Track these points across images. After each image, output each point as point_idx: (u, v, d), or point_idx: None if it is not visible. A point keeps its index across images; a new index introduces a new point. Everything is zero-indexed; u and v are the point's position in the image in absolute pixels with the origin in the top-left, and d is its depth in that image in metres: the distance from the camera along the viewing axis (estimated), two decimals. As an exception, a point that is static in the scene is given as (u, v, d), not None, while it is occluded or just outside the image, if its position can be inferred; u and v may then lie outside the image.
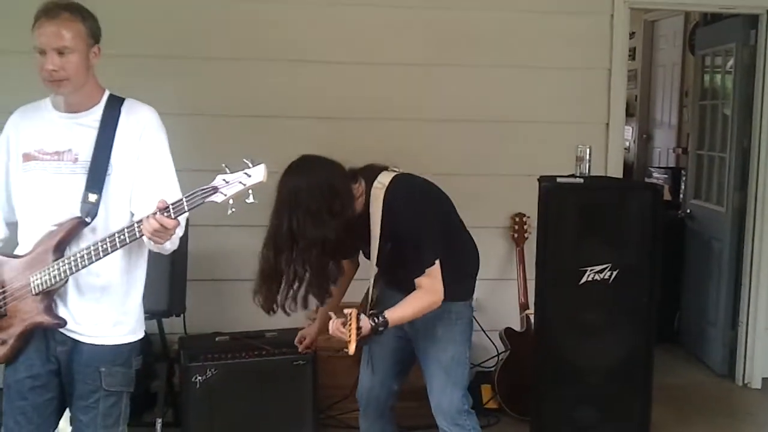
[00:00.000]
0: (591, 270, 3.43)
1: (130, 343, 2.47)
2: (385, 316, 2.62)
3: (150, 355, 3.97)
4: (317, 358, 3.70)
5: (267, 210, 4.28)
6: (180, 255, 3.66)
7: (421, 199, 2.77)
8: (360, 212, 2.72)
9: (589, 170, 3.69)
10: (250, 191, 2.12)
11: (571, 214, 3.52)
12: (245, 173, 2.12)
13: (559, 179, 3.52)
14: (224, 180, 2.12)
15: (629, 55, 7.22)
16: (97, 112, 2.40)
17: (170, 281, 3.60)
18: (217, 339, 3.70)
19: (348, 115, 4.39)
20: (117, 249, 2.24)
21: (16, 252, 2.45)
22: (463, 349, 2.88)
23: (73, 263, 2.28)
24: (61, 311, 2.37)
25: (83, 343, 2.39)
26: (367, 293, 2.91)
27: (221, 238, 4.28)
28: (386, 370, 2.97)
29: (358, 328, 2.55)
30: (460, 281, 2.87)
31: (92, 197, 2.33)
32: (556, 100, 4.51)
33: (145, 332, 3.90)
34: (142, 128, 2.41)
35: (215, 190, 2.13)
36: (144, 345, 3.84)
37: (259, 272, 2.73)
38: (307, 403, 3.64)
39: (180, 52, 4.26)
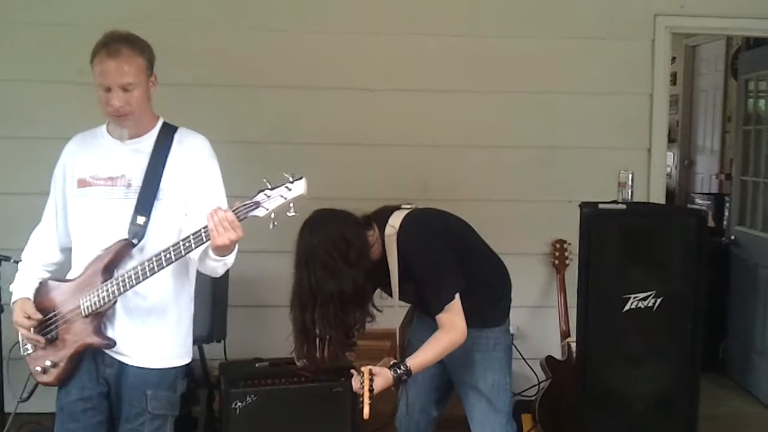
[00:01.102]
0: (634, 297, 3.38)
1: (176, 367, 2.51)
2: (408, 364, 2.63)
3: (191, 381, 4.01)
4: (357, 385, 3.69)
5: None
6: (221, 281, 3.71)
7: (432, 236, 2.74)
8: (377, 258, 2.72)
9: (631, 196, 3.65)
10: (291, 204, 2.17)
11: (613, 241, 3.47)
12: (286, 187, 2.17)
13: (600, 205, 3.48)
14: (266, 195, 2.17)
15: (671, 81, 7.19)
16: (150, 138, 2.46)
17: (212, 307, 3.64)
18: (257, 365, 3.69)
19: (389, 142, 4.44)
20: (171, 262, 2.27)
21: (69, 276, 2.50)
22: (503, 375, 2.87)
23: (120, 284, 2.32)
24: (110, 333, 2.41)
25: (130, 365, 2.43)
26: (395, 335, 2.96)
27: (262, 264, 4.30)
28: (425, 397, 2.97)
29: (371, 390, 2.57)
30: (492, 306, 2.87)
31: (140, 219, 2.38)
32: (598, 125, 4.49)
33: (187, 358, 3.99)
34: (193, 156, 2.47)
35: (257, 204, 2.18)
36: (187, 370, 3.93)
37: (294, 333, 2.74)
38: (345, 430, 3.62)
39: (226, 80, 4.35)
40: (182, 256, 2.27)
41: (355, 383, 2.61)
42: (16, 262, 2.69)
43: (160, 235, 2.40)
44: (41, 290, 2.52)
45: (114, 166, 2.44)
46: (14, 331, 2.55)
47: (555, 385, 4.08)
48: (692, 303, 3.45)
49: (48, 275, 2.57)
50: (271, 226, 2.18)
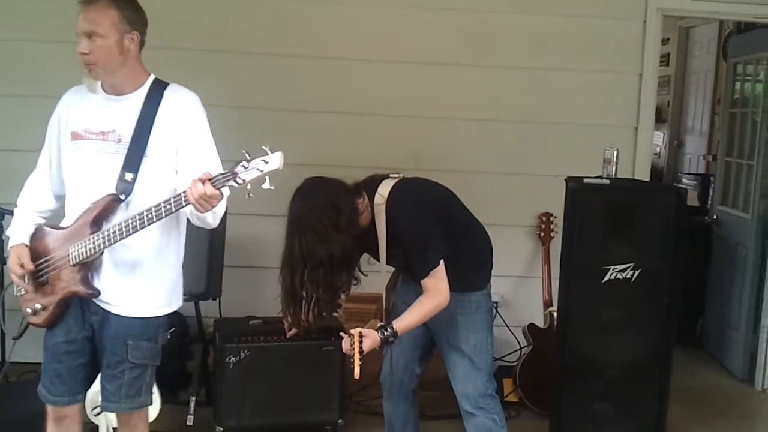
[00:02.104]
0: (614, 269, 3.52)
1: (158, 317, 2.59)
2: (394, 326, 2.76)
3: (186, 337, 4.15)
4: (345, 345, 3.83)
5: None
6: (218, 241, 3.83)
7: (419, 205, 2.85)
8: (366, 225, 2.84)
9: (616, 172, 3.78)
10: (266, 177, 2.24)
11: (597, 214, 3.60)
12: (263, 160, 2.23)
13: (585, 180, 3.61)
14: (243, 166, 2.24)
15: (663, 61, 7.30)
16: (140, 94, 2.52)
17: (208, 266, 3.75)
18: (250, 322, 3.82)
19: (383, 112, 4.54)
20: (152, 222, 2.36)
21: (62, 224, 2.59)
22: (485, 336, 2.98)
23: (107, 237, 2.41)
24: (96, 283, 2.50)
25: (113, 314, 2.52)
26: (381, 298, 3.07)
27: (256, 226, 4.43)
28: (409, 355, 3.08)
29: (361, 351, 2.69)
30: (475, 272, 2.99)
31: (128, 176, 2.45)
32: (587, 102, 4.60)
33: (182, 315, 4.13)
34: (182, 112, 2.52)
35: (235, 175, 2.24)
36: (181, 327, 4.07)
37: (281, 295, 2.85)
38: (333, 388, 3.76)
39: (225, 47, 4.44)
40: (163, 218, 2.35)
41: (345, 344, 2.74)
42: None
43: (147, 192, 2.46)
44: (36, 235, 2.61)
45: (105, 121, 2.50)
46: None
47: (536, 351, 4.23)
48: (669, 276, 3.59)
49: (43, 221, 2.65)
50: (246, 197, 2.27)
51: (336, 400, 3.78)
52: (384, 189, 2.84)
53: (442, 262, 2.77)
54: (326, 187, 2.80)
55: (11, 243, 2.62)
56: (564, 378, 3.71)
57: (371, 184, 2.89)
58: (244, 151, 2.23)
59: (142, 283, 2.53)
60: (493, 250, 3.08)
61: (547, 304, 4.39)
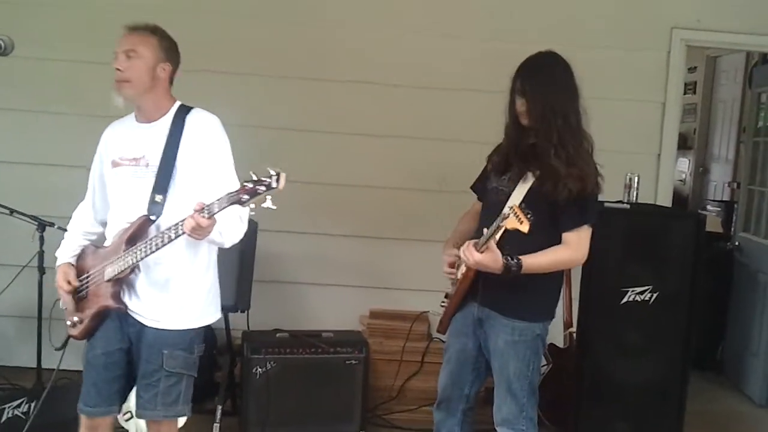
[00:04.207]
0: (632, 291, 3.60)
1: (193, 329, 2.69)
2: (520, 259, 2.62)
3: (215, 348, 4.27)
4: (369, 359, 3.94)
5: (327, 220, 4.59)
6: (248, 255, 3.96)
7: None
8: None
9: (636, 198, 3.87)
10: (268, 197, 2.31)
11: (617, 238, 3.68)
12: (266, 182, 2.30)
13: (606, 204, 3.70)
14: (246, 188, 2.32)
15: (690, 89, 7.36)
16: (167, 120, 2.67)
17: (238, 279, 3.86)
18: (277, 335, 3.94)
19: (409, 134, 4.68)
20: (167, 243, 2.49)
21: (105, 244, 2.76)
22: (524, 366, 2.85)
23: (136, 254, 2.55)
24: (132, 298, 2.63)
25: (149, 327, 2.64)
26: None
27: (285, 243, 4.58)
28: (460, 373, 2.99)
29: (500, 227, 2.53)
30: (552, 297, 2.93)
31: (158, 198, 2.60)
32: (610, 129, 4.61)
33: (211, 327, 4.24)
34: (202, 135, 2.65)
35: (238, 198, 2.32)
36: (210, 338, 4.19)
37: None
38: (356, 401, 3.87)
39: (253, 70, 4.62)
40: (180, 235, 2.47)
41: (506, 210, 2.56)
42: (60, 229, 2.93)
43: (176, 212, 2.57)
44: (82, 254, 2.81)
45: (137, 148, 2.67)
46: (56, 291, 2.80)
47: (555, 370, 4.29)
48: (687, 300, 3.66)
49: (88, 243, 2.84)
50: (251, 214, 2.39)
51: (358, 413, 3.88)
52: None
53: (591, 230, 2.74)
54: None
55: (58, 262, 2.80)
56: (582, 398, 3.77)
57: None
58: (251, 172, 2.32)
59: (176, 297, 2.65)
60: (558, 290, 2.99)
61: (567, 324, 4.44)
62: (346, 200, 4.69)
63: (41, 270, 3.80)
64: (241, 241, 3.82)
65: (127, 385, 2.73)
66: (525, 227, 2.47)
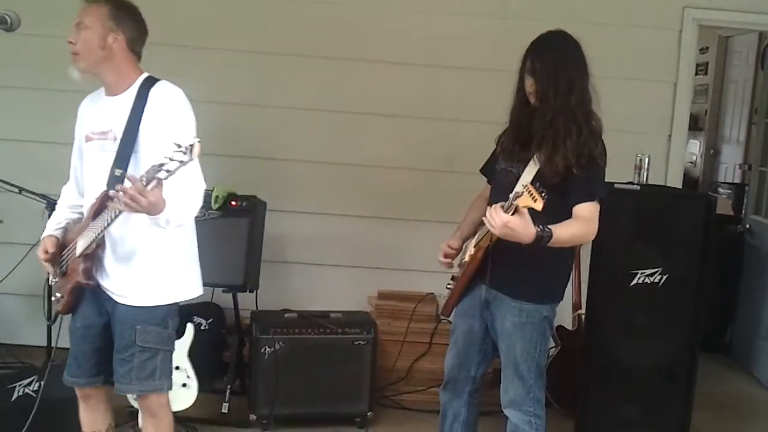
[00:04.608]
0: (642, 273, 3.58)
1: (165, 305, 2.67)
2: (551, 228, 2.53)
3: (223, 327, 4.29)
4: (377, 340, 3.94)
5: (335, 200, 4.59)
6: (257, 236, 3.97)
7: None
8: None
9: (647, 179, 3.84)
10: (182, 167, 2.24)
11: (626, 219, 3.66)
12: (182, 151, 2.22)
13: (616, 185, 3.67)
14: (169, 158, 2.24)
15: (702, 70, 7.29)
16: (131, 93, 2.62)
17: (246, 259, 3.88)
18: (286, 315, 3.94)
19: (419, 114, 4.65)
20: (116, 218, 2.43)
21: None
22: (531, 347, 2.84)
23: (94, 230, 2.54)
24: (102, 274, 2.62)
25: (119, 303, 2.64)
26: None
27: (294, 223, 4.57)
28: (466, 355, 2.98)
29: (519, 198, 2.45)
30: (560, 279, 2.93)
31: (118, 172, 2.55)
32: (621, 109, 4.60)
33: (220, 306, 4.27)
34: (164, 107, 2.59)
35: (161, 166, 2.25)
36: (218, 318, 4.21)
37: None
38: (364, 381, 3.87)
39: (268, 48, 4.59)
40: (118, 216, 2.43)
41: (519, 187, 2.54)
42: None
43: None
44: (68, 228, 2.80)
45: (105, 121, 2.63)
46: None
47: (563, 352, 4.29)
48: (697, 283, 3.65)
49: (77, 216, 2.82)
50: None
51: (366, 393, 3.88)
52: None
53: (599, 206, 2.71)
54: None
55: (42, 235, 2.81)
56: (591, 380, 3.77)
57: None
58: (174, 143, 2.25)
59: (141, 273, 2.62)
60: (567, 274, 2.99)
61: (576, 306, 4.44)
62: (355, 180, 4.67)
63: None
64: (250, 221, 3.89)
65: (109, 358, 2.71)
66: (539, 205, 2.42)
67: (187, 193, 2.48)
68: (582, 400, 3.80)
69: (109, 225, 2.48)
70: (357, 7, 4.60)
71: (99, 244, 2.57)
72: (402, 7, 4.61)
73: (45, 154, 4.48)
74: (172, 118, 2.57)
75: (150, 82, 2.64)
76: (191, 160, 2.20)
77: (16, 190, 3.83)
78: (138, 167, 2.54)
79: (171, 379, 2.74)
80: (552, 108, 2.71)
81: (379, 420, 4.00)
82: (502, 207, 2.50)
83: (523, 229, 2.47)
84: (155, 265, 2.64)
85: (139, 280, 2.63)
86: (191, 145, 2.19)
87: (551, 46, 2.81)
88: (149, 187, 2.26)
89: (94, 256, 2.59)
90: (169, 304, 2.68)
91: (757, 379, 5.06)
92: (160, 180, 2.24)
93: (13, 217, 4.20)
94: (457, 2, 4.64)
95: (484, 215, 2.58)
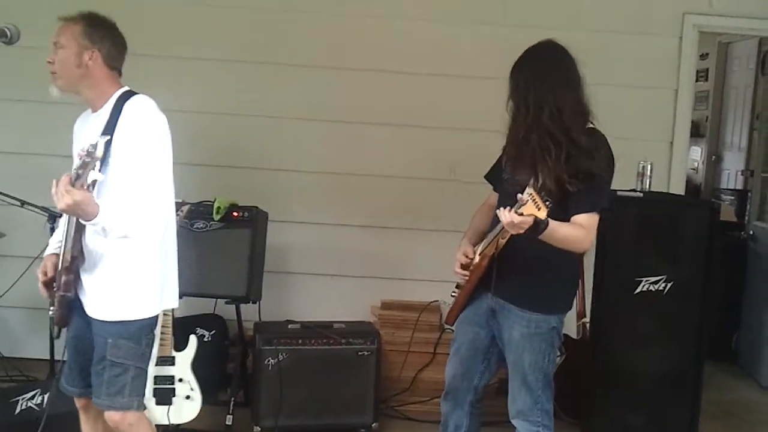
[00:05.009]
0: (646, 280, 3.58)
1: (136, 320, 2.63)
2: (549, 219, 2.46)
3: (226, 339, 4.28)
4: (381, 350, 3.92)
5: (337, 210, 4.57)
6: (259, 247, 3.95)
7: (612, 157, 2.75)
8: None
9: (650, 186, 3.83)
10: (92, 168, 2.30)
11: (630, 227, 3.67)
12: (94, 147, 2.28)
13: (619, 192, 3.67)
14: (87, 158, 2.30)
15: (702, 76, 7.30)
16: (108, 108, 2.63)
17: (249, 270, 3.85)
18: (289, 326, 3.93)
19: (419, 123, 4.65)
20: (73, 227, 2.49)
21: None
22: (539, 358, 2.79)
23: (69, 241, 2.56)
24: (80, 287, 2.63)
25: (93, 317, 2.64)
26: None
27: (296, 233, 4.57)
28: (470, 364, 2.95)
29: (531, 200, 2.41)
30: (566, 290, 2.89)
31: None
32: (622, 117, 4.61)
33: (223, 318, 4.26)
34: (130, 121, 2.57)
35: (84, 165, 2.29)
36: (221, 329, 4.20)
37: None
38: (368, 392, 3.85)
39: (272, 59, 4.60)
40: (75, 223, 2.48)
41: (525, 195, 2.45)
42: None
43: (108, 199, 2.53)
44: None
45: (88, 138, 2.59)
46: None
47: (568, 361, 4.27)
48: (701, 289, 3.64)
49: None
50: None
51: (371, 404, 3.86)
52: None
53: (598, 217, 2.65)
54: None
55: (45, 252, 2.81)
56: (597, 388, 3.77)
57: None
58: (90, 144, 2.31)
59: (110, 288, 2.61)
60: (574, 283, 2.98)
61: (581, 315, 4.40)
62: (357, 190, 4.67)
63: (52, 262, 3.80)
64: (252, 231, 3.88)
65: None
66: (542, 213, 2.40)
67: (129, 203, 2.47)
68: (588, 409, 3.79)
69: (75, 234, 2.51)
70: (358, 17, 4.60)
71: (75, 256, 2.57)
72: (402, 16, 4.62)
73: (47, 166, 4.44)
74: (136, 129, 2.56)
75: (126, 96, 2.65)
76: (93, 160, 2.24)
77: (18, 203, 3.82)
78: (107, 179, 2.51)
79: (142, 399, 2.70)
80: (523, 126, 2.67)
81: (384, 431, 3.98)
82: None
83: (528, 223, 2.42)
84: (124, 279, 2.62)
85: (109, 294, 2.62)
86: (94, 146, 2.24)
87: (525, 61, 2.75)
88: (75, 186, 2.27)
89: (72, 268, 2.59)
90: (141, 319, 2.65)
91: (763, 386, 5.02)
92: (81, 182, 2.27)
93: (16, 231, 4.20)
94: (457, 10, 4.64)
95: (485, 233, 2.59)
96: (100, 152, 2.22)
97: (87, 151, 2.29)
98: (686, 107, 4.71)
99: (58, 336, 2.86)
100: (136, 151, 2.54)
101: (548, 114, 2.62)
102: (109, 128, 2.56)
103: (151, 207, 2.52)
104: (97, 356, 2.63)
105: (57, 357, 4.01)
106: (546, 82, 2.66)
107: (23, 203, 3.81)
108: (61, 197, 2.28)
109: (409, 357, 4.23)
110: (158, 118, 2.62)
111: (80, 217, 2.39)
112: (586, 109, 2.72)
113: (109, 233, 2.44)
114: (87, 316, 2.67)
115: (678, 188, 4.68)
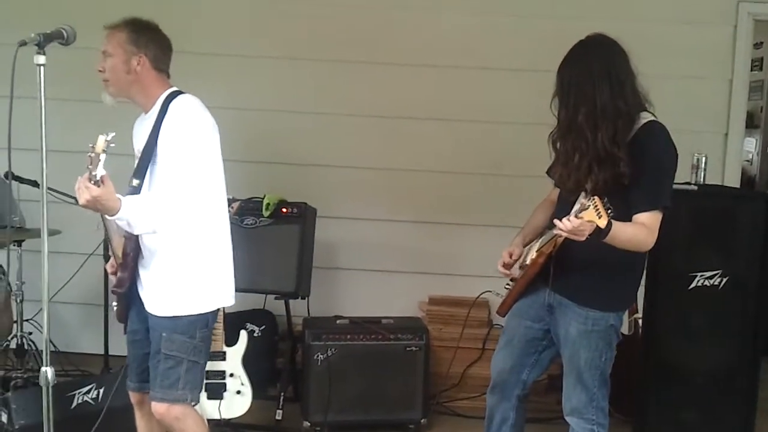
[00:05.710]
0: (701, 275, 3.50)
1: (191, 315, 2.68)
2: (612, 222, 2.36)
3: (276, 334, 4.32)
4: (429, 346, 3.92)
5: (385, 205, 4.57)
6: (308, 242, 3.98)
7: (673, 146, 2.69)
8: None
9: (704, 179, 3.75)
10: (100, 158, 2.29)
11: (684, 221, 3.58)
12: (93, 146, 2.29)
13: (673, 185, 3.59)
14: (89, 156, 2.32)
15: (757, 66, 7.11)
16: (155, 110, 2.68)
17: (298, 266, 3.89)
18: (338, 322, 3.96)
19: (463, 117, 4.63)
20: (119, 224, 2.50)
21: None
22: (596, 356, 2.75)
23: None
24: (139, 282, 2.73)
25: (149, 312, 2.71)
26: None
27: (344, 229, 4.58)
28: (520, 357, 2.91)
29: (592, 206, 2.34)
30: (631, 286, 2.83)
31: (135, 182, 2.63)
32: (676, 108, 4.50)
33: (272, 314, 4.30)
34: (173, 120, 2.62)
35: (90, 161, 2.32)
36: (271, 325, 4.24)
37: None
38: (417, 388, 3.85)
39: (308, 55, 4.62)
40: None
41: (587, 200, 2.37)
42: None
43: None
44: None
45: (142, 139, 2.70)
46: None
47: (620, 357, 4.18)
48: (757, 284, 3.55)
49: None
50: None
51: (419, 400, 3.86)
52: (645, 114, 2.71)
53: (663, 214, 2.59)
54: None
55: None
56: (649, 385, 3.70)
57: None
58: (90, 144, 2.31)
59: (164, 283, 2.68)
60: (638, 280, 2.87)
61: (633, 310, 4.34)
62: (404, 185, 4.66)
63: (106, 258, 3.86)
64: (301, 227, 3.91)
65: None
66: (603, 222, 2.31)
67: (157, 199, 2.53)
68: (640, 406, 3.73)
69: (111, 230, 2.61)
70: (403, 10, 4.59)
71: (127, 253, 2.66)
72: (450, 8, 4.59)
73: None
74: (175, 128, 2.61)
75: (172, 96, 2.69)
76: (96, 156, 2.27)
77: (74, 201, 3.88)
78: (153, 178, 2.62)
79: (197, 393, 2.74)
80: (564, 126, 2.64)
81: (433, 427, 3.98)
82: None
83: (591, 227, 2.35)
84: (175, 275, 2.68)
85: (161, 290, 2.69)
86: (98, 137, 2.27)
87: (570, 59, 2.70)
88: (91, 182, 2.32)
89: (126, 264, 2.68)
90: (195, 314, 2.69)
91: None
92: (94, 178, 2.31)
93: (71, 228, 4.28)
94: (505, 3, 4.60)
95: (552, 221, 2.49)
96: (99, 148, 2.26)
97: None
98: (741, 98, 4.60)
99: (125, 332, 2.92)
100: (173, 148, 2.59)
101: (584, 115, 2.57)
102: (156, 128, 2.63)
103: (180, 203, 2.55)
104: (154, 349, 2.69)
105: (111, 352, 4.11)
106: (587, 83, 2.59)
107: (77, 201, 3.87)
108: (81, 194, 2.35)
109: (457, 353, 4.22)
110: (199, 117, 2.65)
111: (102, 212, 2.44)
112: (631, 109, 2.63)
113: (135, 228, 2.49)
114: (143, 311, 2.73)
115: (733, 181, 4.58)
